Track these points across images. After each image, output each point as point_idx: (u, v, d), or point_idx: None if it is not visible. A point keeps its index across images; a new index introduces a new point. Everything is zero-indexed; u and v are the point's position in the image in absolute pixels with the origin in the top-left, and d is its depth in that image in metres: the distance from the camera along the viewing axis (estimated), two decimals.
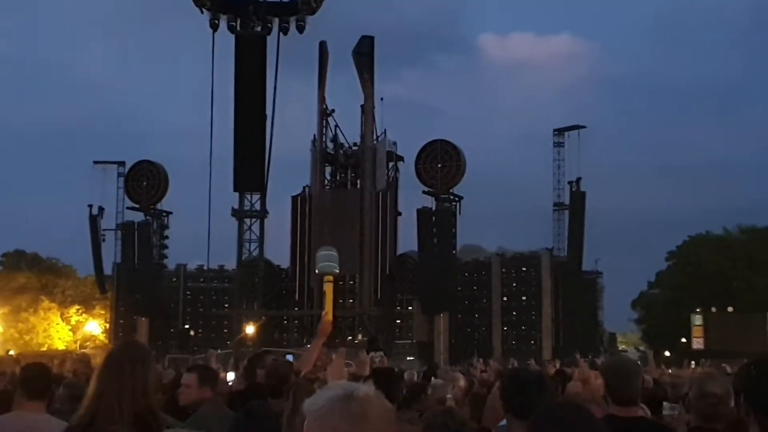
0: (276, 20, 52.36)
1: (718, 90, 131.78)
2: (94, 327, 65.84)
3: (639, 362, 5.61)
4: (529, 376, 4.11)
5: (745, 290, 55.35)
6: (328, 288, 5.65)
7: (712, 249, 61.07)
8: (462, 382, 8.31)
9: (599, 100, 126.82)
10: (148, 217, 55.92)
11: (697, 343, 50.09)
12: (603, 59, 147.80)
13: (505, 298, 52.76)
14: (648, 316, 66.57)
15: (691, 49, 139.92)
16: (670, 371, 13.88)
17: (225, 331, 53.28)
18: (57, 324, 65.18)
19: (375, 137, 56.17)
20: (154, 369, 3.66)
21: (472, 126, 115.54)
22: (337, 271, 5.80)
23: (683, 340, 53.30)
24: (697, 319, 51.10)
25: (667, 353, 49.83)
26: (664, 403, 6.57)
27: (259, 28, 52.41)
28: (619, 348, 67.36)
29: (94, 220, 56.39)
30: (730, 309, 50.34)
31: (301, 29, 52.18)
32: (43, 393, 4.59)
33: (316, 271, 6.09)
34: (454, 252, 52.88)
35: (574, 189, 53.11)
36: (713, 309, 50.62)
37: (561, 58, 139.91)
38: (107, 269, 57.52)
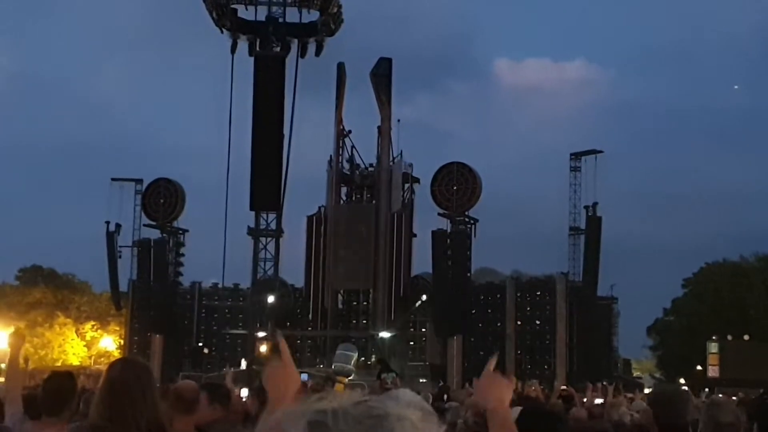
0: (295, 41, 52.76)
1: (733, 116, 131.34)
2: (109, 343, 66.04)
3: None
4: (543, 414, 4.13)
5: (762, 318, 54.93)
6: (340, 389, 5.72)
7: (729, 277, 60.66)
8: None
9: (613, 125, 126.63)
10: (164, 235, 56.14)
11: (713, 371, 49.66)
12: (617, 85, 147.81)
13: (519, 322, 52.52)
14: (663, 343, 66.12)
15: (704, 75, 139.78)
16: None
17: (238, 349, 53.27)
18: (72, 339, 65.43)
19: (391, 159, 56.32)
20: (156, 384, 3.65)
21: (486, 150, 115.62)
22: (353, 371, 5.83)
23: (699, 367, 52.87)
24: (713, 347, 50.66)
25: (682, 380, 49.43)
26: None
27: (278, 49, 52.80)
28: (634, 375, 66.87)
29: (110, 237, 56.64)
30: (746, 337, 49.91)
31: (320, 51, 52.56)
32: (60, 408, 4.54)
33: (333, 366, 6.10)
34: (468, 275, 52.78)
35: (590, 213, 52.95)
36: (729, 337, 50.19)
37: (575, 84, 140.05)
38: (123, 286, 57.71)
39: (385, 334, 51.19)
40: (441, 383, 37.76)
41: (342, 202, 57.42)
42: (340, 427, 0.82)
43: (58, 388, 4.58)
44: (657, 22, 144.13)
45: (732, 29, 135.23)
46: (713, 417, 4.44)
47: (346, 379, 5.88)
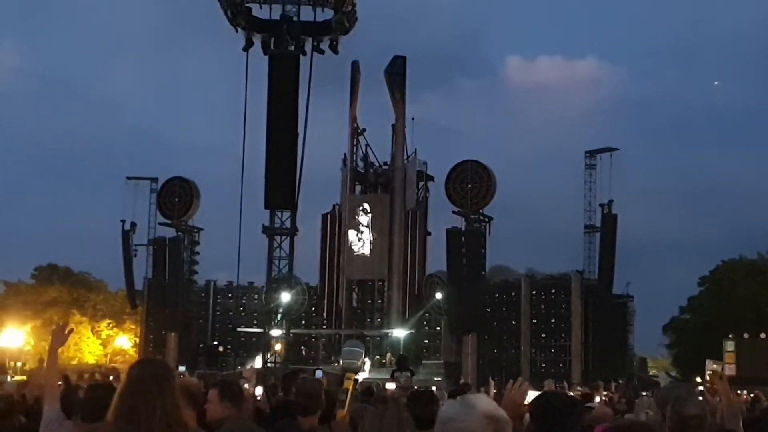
0: (310, 40, 52.75)
1: (747, 114, 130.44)
2: (125, 341, 66.42)
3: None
4: (560, 400, 4.08)
5: None
6: (348, 385, 5.74)
7: (745, 274, 60.31)
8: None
9: (627, 123, 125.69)
10: (179, 233, 56.28)
11: (729, 369, 49.29)
12: (629, 83, 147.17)
13: (534, 320, 52.34)
14: (679, 342, 65.75)
15: (715, 73, 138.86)
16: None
17: (253, 348, 53.37)
18: (88, 338, 65.81)
19: (405, 157, 56.26)
20: (177, 384, 3.64)
21: (500, 148, 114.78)
22: (359, 364, 5.89)
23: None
24: (729, 345, 50.33)
25: (698, 379, 49.11)
26: None
27: (292, 48, 52.80)
28: (650, 373, 66.61)
29: (126, 236, 56.87)
30: (762, 335, 49.57)
31: (334, 49, 52.50)
32: (98, 418, 4.62)
33: (341, 361, 6.17)
34: (483, 273, 52.64)
35: (605, 211, 52.71)
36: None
37: (586, 81, 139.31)
38: (138, 284, 57.92)
39: (399, 333, 51.19)
40: (462, 381, 37.93)
41: (356, 200, 57.37)
42: None
43: (99, 399, 4.71)
44: (668, 19, 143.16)
45: (744, 26, 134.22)
46: (678, 410, 4.43)
47: (354, 376, 5.89)
